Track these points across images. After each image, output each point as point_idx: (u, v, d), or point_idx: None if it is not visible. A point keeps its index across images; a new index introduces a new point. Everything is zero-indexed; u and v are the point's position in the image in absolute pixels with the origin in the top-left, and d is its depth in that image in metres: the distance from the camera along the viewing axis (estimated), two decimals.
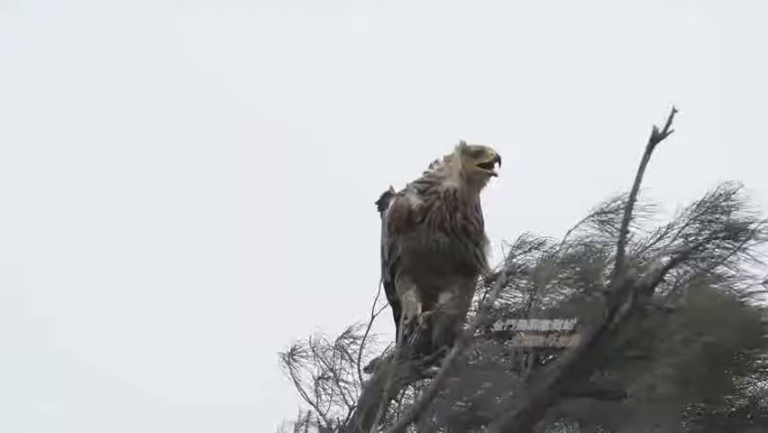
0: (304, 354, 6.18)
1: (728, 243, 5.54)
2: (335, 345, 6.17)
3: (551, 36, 11.73)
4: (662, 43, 11.29)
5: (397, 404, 5.85)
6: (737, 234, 5.56)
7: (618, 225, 5.65)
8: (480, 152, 6.05)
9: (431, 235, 5.99)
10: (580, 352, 5.37)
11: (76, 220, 11.44)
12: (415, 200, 6.02)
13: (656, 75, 10.87)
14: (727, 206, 5.63)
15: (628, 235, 5.48)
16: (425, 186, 6.04)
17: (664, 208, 5.62)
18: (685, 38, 11.30)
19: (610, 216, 5.77)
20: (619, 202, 5.73)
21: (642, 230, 5.55)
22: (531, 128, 10.53)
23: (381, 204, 6.19)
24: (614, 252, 5.52)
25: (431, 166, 6.14)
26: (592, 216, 5.82)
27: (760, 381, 5.45)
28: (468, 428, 5.66)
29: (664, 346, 5.27)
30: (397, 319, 6.16)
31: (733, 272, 5.52)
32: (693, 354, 5.19)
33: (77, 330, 10.65)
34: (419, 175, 6.15)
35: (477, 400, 5.62)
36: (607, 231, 5.74)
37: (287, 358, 6.17)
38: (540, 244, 5.88)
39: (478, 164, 6.04)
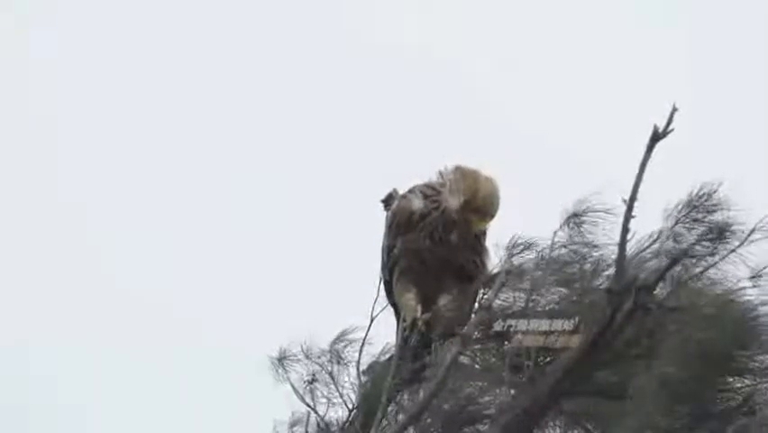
0: (294, 357, 6.17)
1: (717, 242, 5.59)
2: (330, 348, 6.17)
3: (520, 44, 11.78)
4: (636, 53, 11.37)
5: (395, 406, 5.83)
6: (723, 233, 5.60)
7: (589, 228, 5.85)
8: (469, 203, 5.94)
9: (427, 242, 5.97)
10: (582, 351, 5.37)
11: None
12: (417, 204, 6.00)
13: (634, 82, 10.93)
14: (712, 205, 5.68)
15: (629, 235, 5.46)
16: (431, 192, 6.00)
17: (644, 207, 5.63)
18: (657, 49, 11.38)
19: (580, 218, 5.84)
20: (587, 204, 5.86)
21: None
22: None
23: (387, 204, 6.17)
24: (595, 252, 5.65)
25: (439, 175, 6.08)
26: (568, 218, 5.85)
27: (754, 381, 5.48)
28: (467, 429, 5.66)
29: (663, 346, 5.29)
30: (398, 321, 6.14)
31: (722, 272, 5.58)
32: (689, 354, 5.21)
33: None
34: (428, 178, 6.12)
35: (476, 400, 5.62)
36: (580, 233, 5.80)
37: (276, 363, 6.16)
38: (531, 244, 5.92)
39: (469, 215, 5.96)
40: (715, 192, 5.70)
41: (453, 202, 5.93)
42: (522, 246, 5.92)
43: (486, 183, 5.91)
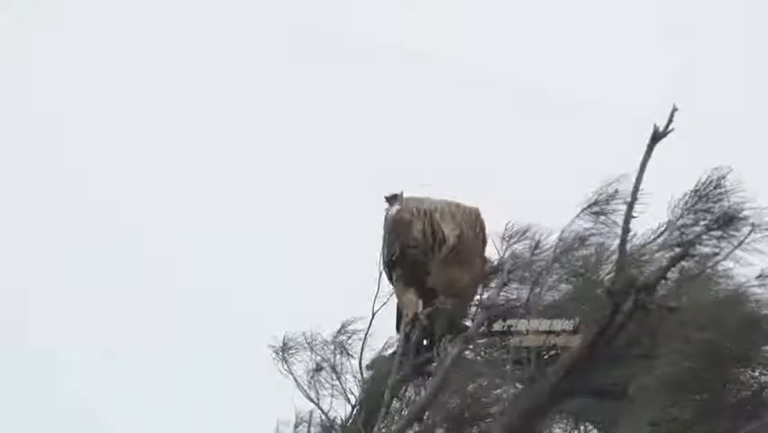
0: (298, 347, 6.17)
1: (722, 232, 5.55)
2: (333, 340, 6.18)
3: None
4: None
5: (398, 403, 5.85)
6: (730, 223, 5.58)
7: (612, 217, 5.73)
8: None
9: (425, 256, 6.00)
10: (582, 351, 5.38)
11: None
12: (418, 228, 6.00)
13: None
14: (718, 193, 5.64)
15: (630, 234, 5.47)
16: (430, 223, 6.00)
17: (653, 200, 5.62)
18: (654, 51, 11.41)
19: (603, 207, 5.79)
20: (611, 191, 5.74)
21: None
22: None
23: (390, 202, 6.18)
24: (609, 244, 5.62)
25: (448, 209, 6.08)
26: (585, 208, 5.83)
27: (762, 375, 5.44)
28: (469, 427, 5.66)
29: (666, 346, 5.29)
30: (398, 316, 6.17)
31: (730, 265, 5.55)
32: (693, 353, 5.21)
33: None
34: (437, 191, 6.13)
35: (478, 398, 5.63)
36: (601, 223, 5.77)
37: (280, 353, 6.17)
38: (525, 231, 5.90)
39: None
40: (722, 180, 5.62)
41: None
42: (518, 234, 5.94)
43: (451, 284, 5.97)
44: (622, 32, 11.63)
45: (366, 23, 11.86)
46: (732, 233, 5.55)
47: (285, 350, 6.19)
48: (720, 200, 5.60)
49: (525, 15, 11.86)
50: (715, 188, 5.63)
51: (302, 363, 6.21)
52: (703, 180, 5.67)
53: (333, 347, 6.18)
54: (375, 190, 6.35)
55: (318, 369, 6.12)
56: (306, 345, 6.20)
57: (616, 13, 11.65)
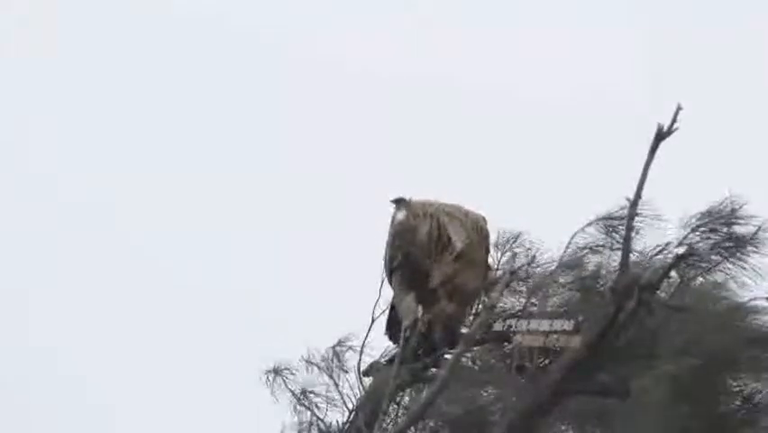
0: (289, 369, 6.16)
1: (731, 251, 5.54)
2: (331, 352, 6.16)
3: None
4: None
5: (397, 407, 5.81)
6: (740, 243, 5.56)
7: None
8: None
9: (427, 261, 5.96)
10: (584, 350, 5.35)
11: None
12: (424, 230, 5.98)
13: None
14: (730, 217, 5.62)
15: (633, 233, 5.44)
16: (438, 229, 5.97)
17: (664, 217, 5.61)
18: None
19: (616, 222, 5.76)
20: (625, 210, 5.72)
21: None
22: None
23: (398, 204, 6.13)
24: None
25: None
26: (598, 220, 5.79)
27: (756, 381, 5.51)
28: (469, 430, 5.64)
29: (666, 347, 5.29)
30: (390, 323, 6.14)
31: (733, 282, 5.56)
32: (693, 356, 5.21)
33: None
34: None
35: (478, 401, 5.61)
36: (612, 237, 5.74)
37: (271, 376, 6.15)
38: (516, 237, 5.94)
39: None
40: (739, 207, 5.62)
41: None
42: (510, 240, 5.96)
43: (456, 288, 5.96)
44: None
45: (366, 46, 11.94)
46: (742, 253, 5.55)
47: (275, 373, 6.17)
48: (733, 224, 5.58)
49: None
50: (730, 212, 5.61)
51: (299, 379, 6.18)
52: (716, 203, 5.63)
53: (330, 360, 6.15)
54: (372, 197, 6.33)
55: (306, 392, 6.09)
56: (303, 362, 6.18)
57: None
